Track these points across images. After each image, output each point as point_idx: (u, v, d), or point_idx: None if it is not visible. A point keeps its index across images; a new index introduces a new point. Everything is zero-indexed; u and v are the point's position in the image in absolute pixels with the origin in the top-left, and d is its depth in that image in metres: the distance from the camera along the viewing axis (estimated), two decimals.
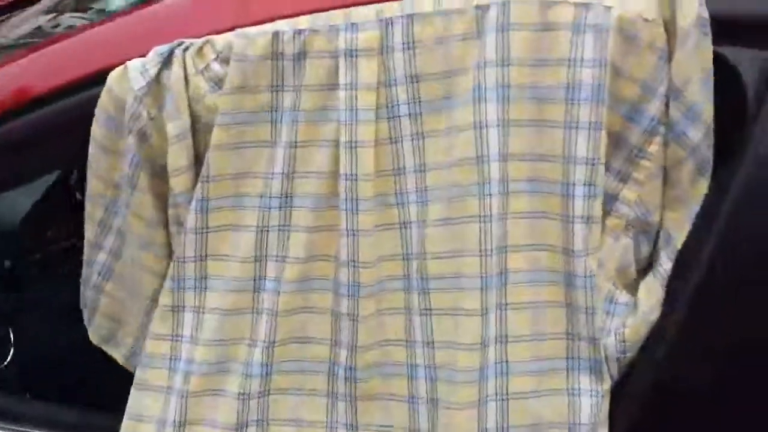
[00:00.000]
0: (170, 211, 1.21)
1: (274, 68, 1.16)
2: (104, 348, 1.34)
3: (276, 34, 1.16)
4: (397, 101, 1.13)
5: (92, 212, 1.28)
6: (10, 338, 1.58)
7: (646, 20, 1.07)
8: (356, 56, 1.14)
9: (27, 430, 1.39)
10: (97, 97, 1.24)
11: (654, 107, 1.08)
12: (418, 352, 1.13)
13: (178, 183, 1.19)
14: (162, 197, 1.22)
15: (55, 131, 1.33)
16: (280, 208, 1.17)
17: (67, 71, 1.32)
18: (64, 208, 1.76)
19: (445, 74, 1.12)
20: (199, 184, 1.18)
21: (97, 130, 1.23)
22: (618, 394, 1.11)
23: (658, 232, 1.12)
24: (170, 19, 1.33)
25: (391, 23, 1.13)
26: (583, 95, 1.07)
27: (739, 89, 1.10)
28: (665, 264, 1.09)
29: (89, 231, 1.29)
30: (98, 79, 1.26)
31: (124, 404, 1.25)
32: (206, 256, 1.19)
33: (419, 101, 1.13)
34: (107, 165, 1.24)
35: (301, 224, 1.16)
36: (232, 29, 1.19)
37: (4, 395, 1.46)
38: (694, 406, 1.12)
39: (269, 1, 1.26)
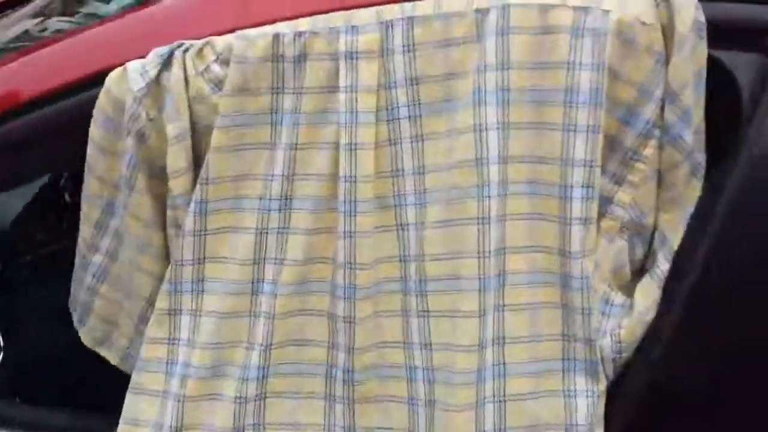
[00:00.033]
0: (168, 213, 1.21)
1: (275, 70, 1.16)
2: (97, 350, 1.33)
3: (276, 36, 1.16)
4: (397, 104, 1.14)
5: (89, 213, 1.27)
6: None
7: (644, 24, 1.08)
8: (356, 59, 1.14)
9: None
10: (93, 98, 1.24)
11: (650, 110, 1.10)
12: (416, 354, 1.14)
13: (176, 185, 1.18)
14: (160, 199, 1.22)
15: (50, 133, 1.33)
16: (280, 210, 1.17)
17: (63, 73, 1.32)
18: (55, 210, 1.76)
19: (445, 77, 1.13)
20: (198, 186, 1.18)
21: (95, 130, 1.23)
22: (613, 394, 1.12)
23: (652, 234, 1.14)
24: (167, 21, 1.33)
25: (392, 26, 1.14)
26: (581, 98, 1.09)
27: (734, 92, 1.12)
28: (662, 265, 1.11)
29: (85, 232, 1.28)
30: (95, 80, 1.27)
31: (116, 407, 1.25)
32: (204, 258, 1.19)
33: (419, 104, 1.13)
34: (105, 166, 1.24)
35: (300, 226, 1.16)
36: (231, 31, 1.20)
37: None
38: (689, 406, 1.14)
39: (268, 3, 1.27)
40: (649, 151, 1.11)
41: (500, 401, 1.11)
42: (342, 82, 1.14)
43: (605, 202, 1.12)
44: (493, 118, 1.10)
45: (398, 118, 1.14)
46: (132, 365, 1.29)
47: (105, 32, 1.40)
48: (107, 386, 1.36)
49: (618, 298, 1.12)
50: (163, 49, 1.20)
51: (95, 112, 1.23)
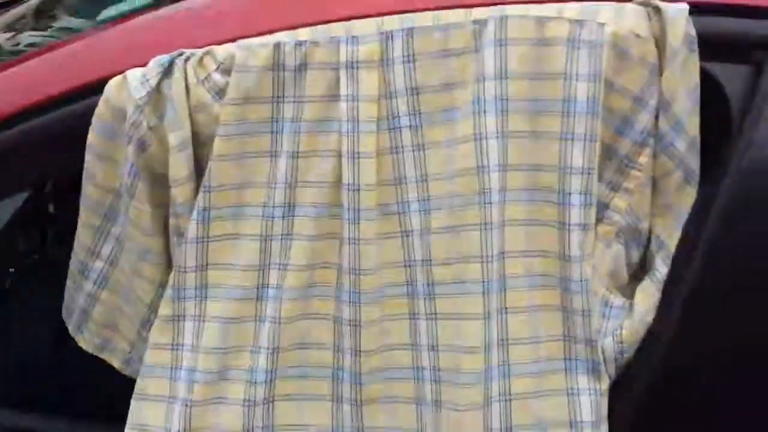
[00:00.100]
0: (171, 221, 1.21)
1: (276, 79, 1.18)
2: (100, 355, 1.33)
3: (277, 46, 1.18)
4: (398, 113, 1.16)
5: (88, 220, 1.27)
6: None
7: (637, 36, 1.12)
8: (357, 68, 1.16)
9: None
10: (85, 108, 1.25)
11: (644, 119, 1.14)
12: (423, 356, 1.16)
13: (179, 193, 1.19)
14: (160, 206, 1.22)
15: (43, 143, 1.33)
16: (283, 217, 1.18)
17: (56, 83, 1.33)
18: (39, 220, 1.75)
19: (444, 87, 1.15)
20: (200, 194, 1.19)
21: (94, 138, 1.23)
22: (616, 394, 1.15)
23: (649, 239, 1.17)
24: (152, 33, 1.35)
25: (391, 36, 1.16)
26: (578, 108, 1.12)
27: (724, 102, 1.16)
28: (661, 268, 1.15)
29: (85, 238, 1.28)
30: (87, 91, 1.28)
31: (107, 414, 1.25)
32: (207, 265, 1.20)
33: (419, 113, 1.16)
34: (104, 173, 1.24)
35: (303, 233, 1.18)
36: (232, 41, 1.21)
37: None
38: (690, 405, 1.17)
39: (269, 13, 1.29)
40: (643, 159, 1.14)
41: (506, 400, 1.13)
42: (343, 91, 1.16)
43: (602, 207, 1.15)
44: (493, 127, 1.13)
45: (399, 127, 1.16)
46: (135, 369, 1.30)
47: (95, 43, 1.42)
48: (99, 394, 1.37)
49: (617, 300, 1.15)
50: (164, 58, 1.21)
51: (94, 119, 1.23)
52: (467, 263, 1.14)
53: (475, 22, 1.15)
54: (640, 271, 1.19)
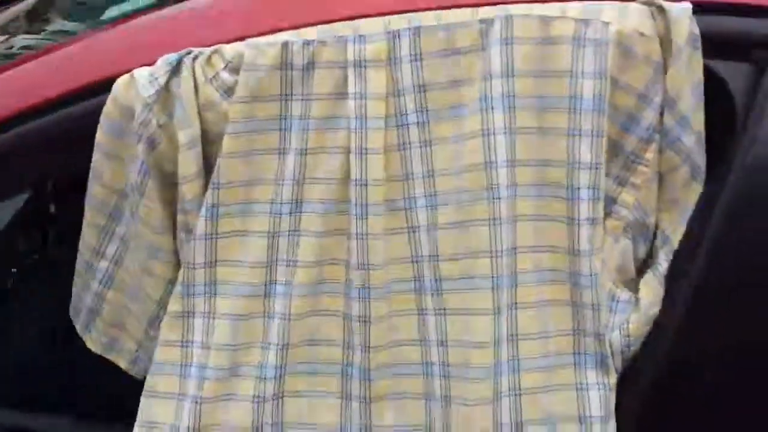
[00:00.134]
0: (179, 218, 1.22)
1: (284, 77, 1.19)
2: (106, 356, 1.33)
3: (285, 45, 1.19)
4: (405, 110, 1.17)
5: (94, 219, 1.28)
6: None
7: (642, 35, 1.14)
8: (365, 67, 1.17)
9: None
10: (83, 110, 1.26)
11: (650, 116, 1.15)
12: (432, 351, 1.17)
13: (188, 190, 1.20)
14: (169, 204, 1.23)
15: (41, 145, 1.33)
16: (291, 213, 1.19)
17: (55, 85, 1.33)
18: (40, 221, 1.75)
19: (451, 84, 1.17)
20: (209, 191, 1.19)
21: (102, 137, 1.24)
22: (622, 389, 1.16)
23: (654, 233, 1.19)
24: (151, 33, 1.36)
25: (398, 35, 1.17)
26: (585, 105, 1.13)
27: (727, 99, 1.18)
28: (663, 263, 1.16)
29: (90, 238, 1.28)
30: (86, 93, 1.28)
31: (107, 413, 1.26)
32: (216, 262, 1.20)
33: (426, 110, 1.17)
34: (111, 172, 1.25)
35: (311, 229, 1.19)
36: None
37: None
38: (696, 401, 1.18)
39: (271, 13, 1.30)
40: (649, 154, 1.16)
41: (516, 395, 1.14)
42: (351, 89, 1.17)
43: (610, 203, 1.17)
44: (501, 124, 1.15)
45: (407, 124, 1.17)
46: (141, 369, 1.30)
47: (96, 43, 1.43)
48: (95, 392, 1.37)
49: (624, 294, 1.16)
50: (172, 57, 1.21)
51: (102, 118, 1.24)
52: (476, 258, 1.15)
53: (481, 21, 1.16)
54: (644, 265, 1.20)
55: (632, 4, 1.16)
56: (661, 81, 1.15)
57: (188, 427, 1.18)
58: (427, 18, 1.18)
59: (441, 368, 1.16)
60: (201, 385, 1.19)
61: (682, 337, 1.15)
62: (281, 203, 1.19)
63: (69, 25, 1.91)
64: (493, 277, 1.14)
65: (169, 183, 1.22)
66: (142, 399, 1.22)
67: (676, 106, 1.15)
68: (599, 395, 1.14)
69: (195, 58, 1.21)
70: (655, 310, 1.15)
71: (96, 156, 1.25)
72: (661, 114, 1.15)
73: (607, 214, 1.17)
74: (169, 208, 1.23)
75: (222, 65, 1.20)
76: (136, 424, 1.21)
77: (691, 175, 1.17)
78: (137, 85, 1.21)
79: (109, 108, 1.23)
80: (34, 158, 1.35)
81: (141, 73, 1.22)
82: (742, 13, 1.18)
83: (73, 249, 1.32)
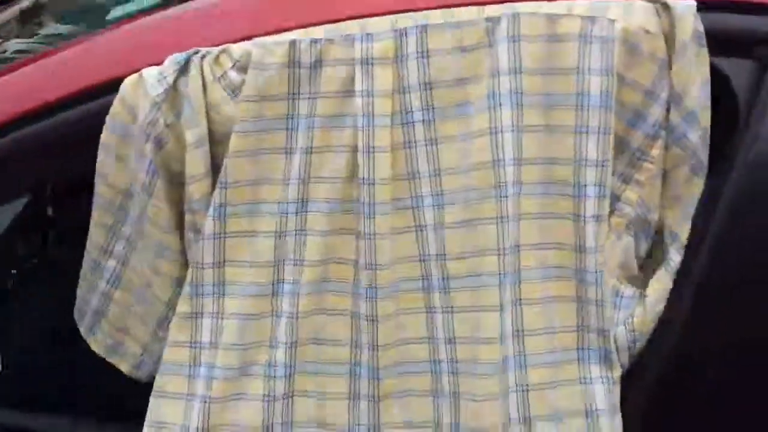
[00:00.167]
0: (187, 218, 1.22)
1: (291, 76, 1.19)
2: (109, 359, 1.33)
3: (293, 43, 1.19)
4: (411, 108, 1.18)
5: (101, 219, 1.28)
6: None
7: (647, 32, 1.15)
8: (372, 64, 1.18)
9: None
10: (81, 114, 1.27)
11: (656, 113, 1.16)
12: (440, 349, 1.17)
13: (195, 189, 1.20)
14: (177, 203, 1.23)
15: (39, 150, 1.34)
16: (297, 213, 1.19)
17: (53, 89, 1.33)
18: (39, 223, 1.75)
19: (457, 82, 1.17)
20: (216, 191, 1.20)
21: (108, 137, 1.24)
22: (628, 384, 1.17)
23: (658, 230, 1.20)
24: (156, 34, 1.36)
25: (405, 33, 1.18)
26: (592, 101, 1.14)
27: (730, 96, 1.19)
28: (675, 258, 1.17)
29: (98, 237, 1.28)
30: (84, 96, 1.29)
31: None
32: (224, 262, 1.20)
33: (432, 108, 1.18)
34: (116, 172, 1.25)
35: (317, 228, 1.19)
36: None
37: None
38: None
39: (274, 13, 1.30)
40: (655, 151, 1.17)
41: (523, 390, 1.15)
42: (358, 87, 1.18)
43: (614, 200, 1.18)
44: (508, 121, 1.15)
45: (412, 122, 1.18)
46: (145, 373, 1.30)
47: (101, 44, 1.43)
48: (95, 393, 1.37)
49: (628, 290, 1.17)
50: (180, 56, 1.22)
51: (108, 119, 1.24)
52: (483, 256, 1.15)
53: (487, 19, 1.17)
54: (646, 262, 1.21)
55: (637, 2, 1.17)
56: (667, 77, 1.16)
57: (198, 428, 1.18)
58: (436, 16, 1.18)
59: (449, 365, 1.17)
60: (210, 384, 1.19)
61: (687, 332, 1.16)
62: (287, 203, 1.19)
63: (62, 29, 1.91)
64: (500, 274, 1.15)
65: (176, 182, 1.23)
66: (151, 399, 1.22)
67: (682, 103, 1.16)
68: (604, 389, 1.15)
69: (203, 57, 1.21)
70: (661, 306, 1.16)
71: (102, 156, 1.25)
72: (668, 111, 1.16)
73: (611, 211, 1.17)
74: (177, 207, 1.23)
75: (230, 64, 1.21)
76: (146, 424, 1.21)
77: (693, 171, 1.18)
78: (146, 85, 1.21)
79: (116, 108, 1.23)
80: (31, 163, 1.35)
81: (150, 73, 1.22)
82: (745, 10, 1.19)
83: (71, 251, 1.32)
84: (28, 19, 2.09)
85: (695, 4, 1.15)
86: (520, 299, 1.16)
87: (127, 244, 1.28)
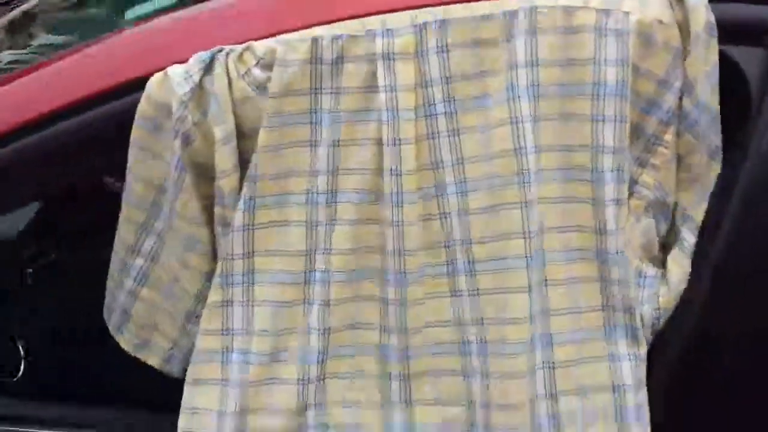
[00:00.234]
0: (217, 212, 1.25)
1: (314, 72, 1.22)
2: (138, 355, 1.36)
3: (315, 40, 1.22)
4: (434, 101, 1.21)
5: (131, 216, 1.31)
6: (20, 351, 1.58)
7: (661, 23, 1.19)
8: (393, 60, 1.21)
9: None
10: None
11: (669, 100, 1.20)
12: (468, 330, 1.21)
13: (225, 184, 1.23)
14: (205, 198, 1.26)
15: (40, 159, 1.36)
16: (327, 203, 1.23)
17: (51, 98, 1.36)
18: (61, 221, 1.77)
19: (477, 75, 1.21)
20: (246, 184, 1.23)
21: (138, 134, 1.27)
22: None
23: (674, 212, 1.24)
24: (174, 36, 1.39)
25: (425, 28, 1.21)
26: (608, 91, 1.18)
27: (742, 84, 1.23)
28: (689, 238, 1.22)
29: (127, 234, 1.31)
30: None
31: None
32: (254, 252, 1.23)
33: (454, 100, 1.21)
34: (148, 169, 1.28)
35: (346, 218, 1.22)
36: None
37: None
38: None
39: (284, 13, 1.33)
40: (668, 136, 1.21)
41: (550, 368, 1.19)
42: (381, 82, 1.21)
43: (632, 183, 1.22)
44: (527, 111, 1.19)
45: (435, 114, 1.21)
46: (175, 366, 1.33)
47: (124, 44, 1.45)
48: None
49: (650, 270, 1.22)
50: (205, 54, 1.25)
51: (137, 116, 1.27)
52: (508, 240, 1.19)
53: (505, 13, 1.20)
54: (666, 243, 1.25)
55: None
56: (680, 66, 1.20)
57: (234, 412, 1.21)
58: (454, 11, 1.22)
59: (478, 346, 1.20)
60: (245, 369, 1.22)
61: (706, 312, 1.20)
62: (317, 193, 1.23)
63: (54, 39, 1.93)
64: (527, 257, 1.19)
65: (204, 177, 1.25)
66: (186, 387, 1.25)
67: (694, 91, 1.20)
68: (631, 365, 1.19)
69: (227, 55, 1.24)
70: (684, 284, 1.20)
71: (133, 153, 1.28)
72: (680, 98, 1.20)
73: (630, 194, 1.21)
74: (205, 201, 1.26)
75: (254, 62, 1.24)
76: (181, 410, 1.24)
77: (710, 155, 1.22)
78: (172, 83, 1.24)
79: (143, 106, 1.26)
80: (34, 172, 1.38)
81: (175, 71, 1.25)
82: (755, 0, 1.23)
83: (80, 255, 1.34)
84: (18, 30, 2.10)
85: None
86: (546, 280, 1.20)
87: (158, 239, 1.30)
